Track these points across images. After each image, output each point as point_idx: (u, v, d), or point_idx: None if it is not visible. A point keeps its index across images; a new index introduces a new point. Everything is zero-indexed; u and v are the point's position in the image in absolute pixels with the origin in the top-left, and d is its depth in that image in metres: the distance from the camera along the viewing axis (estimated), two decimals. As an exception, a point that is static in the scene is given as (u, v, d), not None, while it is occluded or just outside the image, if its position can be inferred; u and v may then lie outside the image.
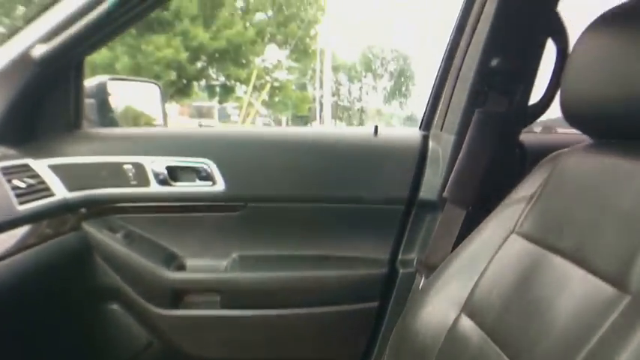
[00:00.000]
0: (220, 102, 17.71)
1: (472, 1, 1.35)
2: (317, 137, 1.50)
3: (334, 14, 17.06)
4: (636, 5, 0.79)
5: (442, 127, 1.41)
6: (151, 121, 1.99)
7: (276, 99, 18.03)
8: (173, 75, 13.50)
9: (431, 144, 1.42)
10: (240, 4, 15.10)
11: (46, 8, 1.25)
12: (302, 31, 15.81)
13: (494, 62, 1.25)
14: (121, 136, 1.46)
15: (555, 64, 1.29)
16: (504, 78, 1.26)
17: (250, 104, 16.17)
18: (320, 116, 17.58)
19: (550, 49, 1.30)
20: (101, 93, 1.55)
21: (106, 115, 1.56)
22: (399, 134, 1.49)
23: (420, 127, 1.54)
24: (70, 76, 1.37)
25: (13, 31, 1.28)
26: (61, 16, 1.20)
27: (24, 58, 1.22)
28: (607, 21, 0.81)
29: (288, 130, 1.63)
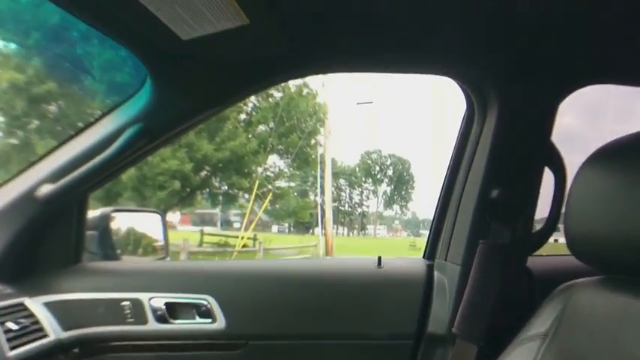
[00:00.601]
0: (223, 210, 17.91)
1: (468, 132, 1.39)
2: (319, 270, 1.47)
3: (333, 124, 17.80)
4: (629, 141, 0.81)
5: (446, 256, 1.39)
6: (153, 243, 1.98)
7: (278, 206, 18.25)
8: (177, 185, 13.76)
9: (436, 274, 1.39)
10: (243, 116, 15.80)
11: (52, 149, 1.30)
12: (302, 141, 16.39)
13: (494, 193, 1.26)
14: (120, 270, 1.44)
15: (554, 192, 1.30)
16: (505, 208, 1.26)
17: (253, 212, 16.33)
18: (322, 222, 17.68)
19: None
20: (103, 225, 1.55)
21: (107, 247, 1.55)
22: (402, 264, 1.46)
23: (423, 256, 1.52)
24: (72, 211, 1.38)
25: (19, 171, 1.31)
26: (66, 157, 1.24)
27: (28, 197, 1.24)
28: (602, 157, 0.83)
29: (289, 263, 1.61)
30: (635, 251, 0.73)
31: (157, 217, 1.74)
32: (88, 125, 1.28)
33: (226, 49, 1.06)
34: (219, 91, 1.21)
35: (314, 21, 1.05)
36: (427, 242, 1.52)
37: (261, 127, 16.31)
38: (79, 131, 1.28)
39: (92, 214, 1.53)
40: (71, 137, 1.28)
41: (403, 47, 1.18)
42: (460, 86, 1.34)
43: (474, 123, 1.36)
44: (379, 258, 1.42)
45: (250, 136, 15.54)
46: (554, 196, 1.30)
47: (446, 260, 1.39)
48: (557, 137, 1.31)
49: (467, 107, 1.40)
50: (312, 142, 17.40)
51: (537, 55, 1.18)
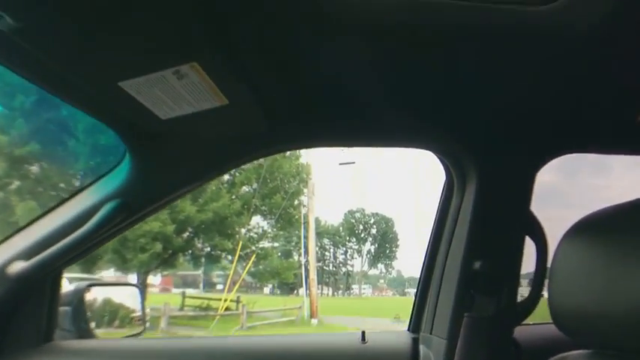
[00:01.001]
0: (206, 272, 17.54)
1: (448, 203, 1.40)
2: (301, 346, 1.42)
3: (316, 184, 17.93)
4: (607, 215, 0.82)
5: (431, 329, 1.36)
6: (130, 314, 1.91)
7: (261, 267, 17.95)
8: (159, 247, 13.50)
9: (422, 349, 1.36)
10: (226, 177, 15.81)
11: (27, 224, 1.26)
12: (286, 202, 16.38)
13: (476, 265, 1.25)
14: (94, 350, 1.38)
15: (536, 261, 1.30)
16: (488, 280, 1.25)
17: (236, 273, 16.03)
18: (306, 282, 17.40)
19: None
20: (77, 300, 1.49)
21: (81, 323, 1.48)
22: (387, 339, 1.43)
23: (408, 329, 1.48)
24: (45, 287, 1.33)
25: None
26: (41, 233, 1.21)
27: None
28: (582, 232, 0.84)
29: (270, 339, 1.56)
30: (618, 329, 0.72)
31: (135, 291, 1.69)
32: (65, 200, 1.25)
33: (206, 127, 1.07)
34: (199, 166, 1.21)
35: (293, 101, 1.07)
36: (412, 314, 1.49)
37: (245, 188, 16.29)
38: (55, 206, 1.26)
39: (66, 288, 1.47)
40: (47, 212, 1.26)
41: (381, 124, 1.20)
42: (439, 158, 1.36)
43: (454, 195, 1.37)
44: (363, 333, 1.38)
45: (233, 197, 15.49)
46: (537, 266, 1.29)
47: (431, 334, 1.36)
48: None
49: (446, 178, 1.42)
50: (296, 202, 17.41)
51: (513, 128, 1.21)
